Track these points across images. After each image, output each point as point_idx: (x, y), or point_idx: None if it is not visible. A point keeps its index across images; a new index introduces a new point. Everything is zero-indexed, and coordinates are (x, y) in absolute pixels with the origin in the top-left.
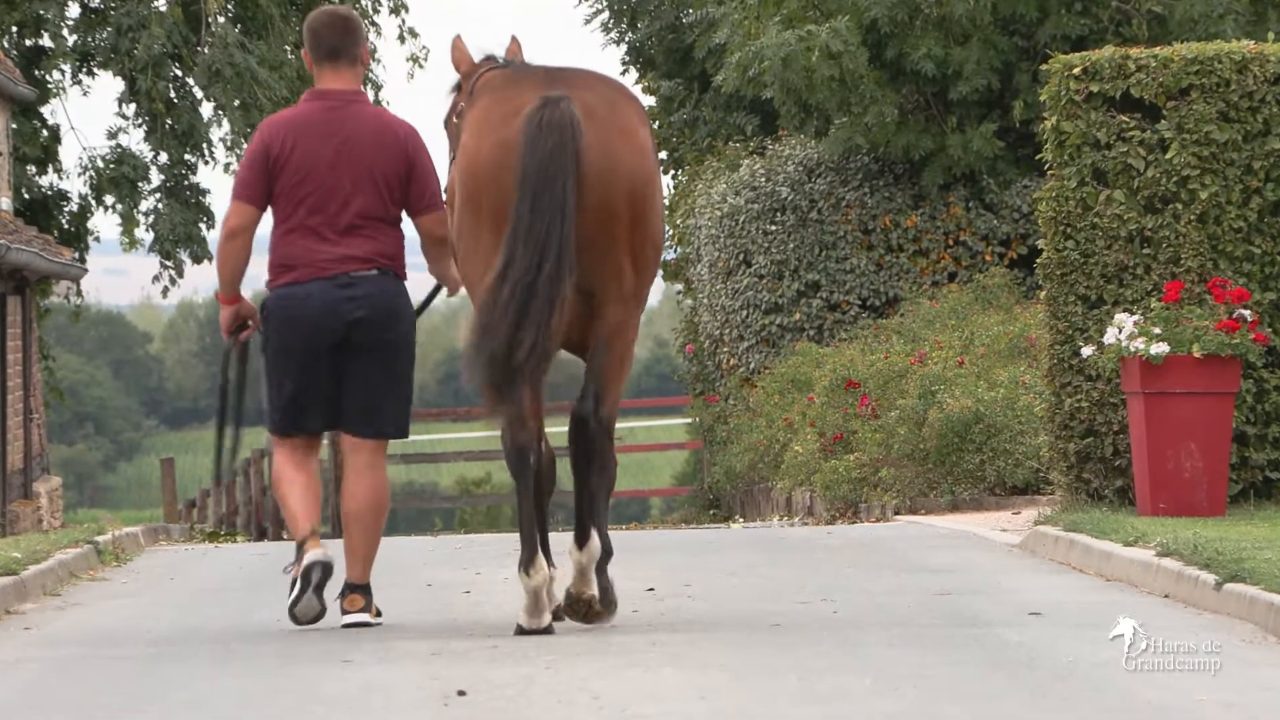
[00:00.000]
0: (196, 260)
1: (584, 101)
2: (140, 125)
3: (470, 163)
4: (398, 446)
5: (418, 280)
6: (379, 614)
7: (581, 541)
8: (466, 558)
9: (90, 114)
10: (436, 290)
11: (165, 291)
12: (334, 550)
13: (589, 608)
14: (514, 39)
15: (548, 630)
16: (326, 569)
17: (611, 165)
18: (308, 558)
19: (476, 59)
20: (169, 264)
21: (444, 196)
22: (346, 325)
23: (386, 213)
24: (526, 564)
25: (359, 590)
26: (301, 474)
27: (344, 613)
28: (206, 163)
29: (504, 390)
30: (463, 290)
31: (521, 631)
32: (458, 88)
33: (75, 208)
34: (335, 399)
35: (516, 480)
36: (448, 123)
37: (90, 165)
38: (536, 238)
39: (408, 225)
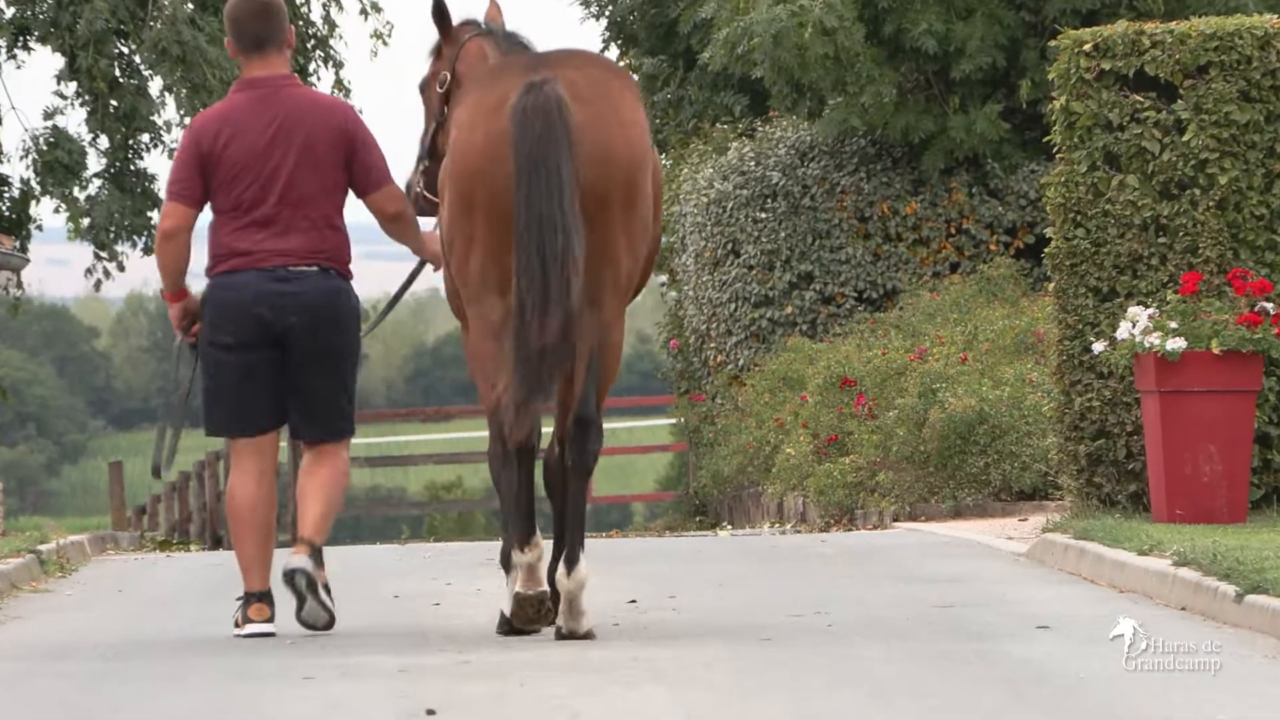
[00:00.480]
0: (147, 251)
1: (570, 81)
2: (84, 105)
3: (461, 158)
4: (361, 449)
5: (394, 269)
6: (328, 589)
7: (572, 564)
8: (436, 567)
9: (33, 93)
10: (419, 268)
11: (99, 285)
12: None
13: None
14: (493, 2)
15: (543, 596)
16: (306, 575)
17: (604, 144)
18: (249, 629)
19: (455, 22)
20: (104, 255)
21: (419, 162)
22: (284, 324)
23: (330, 199)
24: (523, 542)
25: (306, 546)
26: (252, 512)
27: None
28: (155, 146)
29: (539, 391)
30: (439, 285)
31: (521, 598)
32: (437, 52)
33: (16, 193)
34: (275, 395)
35: (517, 471)
36: (425, 87)
37: (32, 148)
38: (536, 220)
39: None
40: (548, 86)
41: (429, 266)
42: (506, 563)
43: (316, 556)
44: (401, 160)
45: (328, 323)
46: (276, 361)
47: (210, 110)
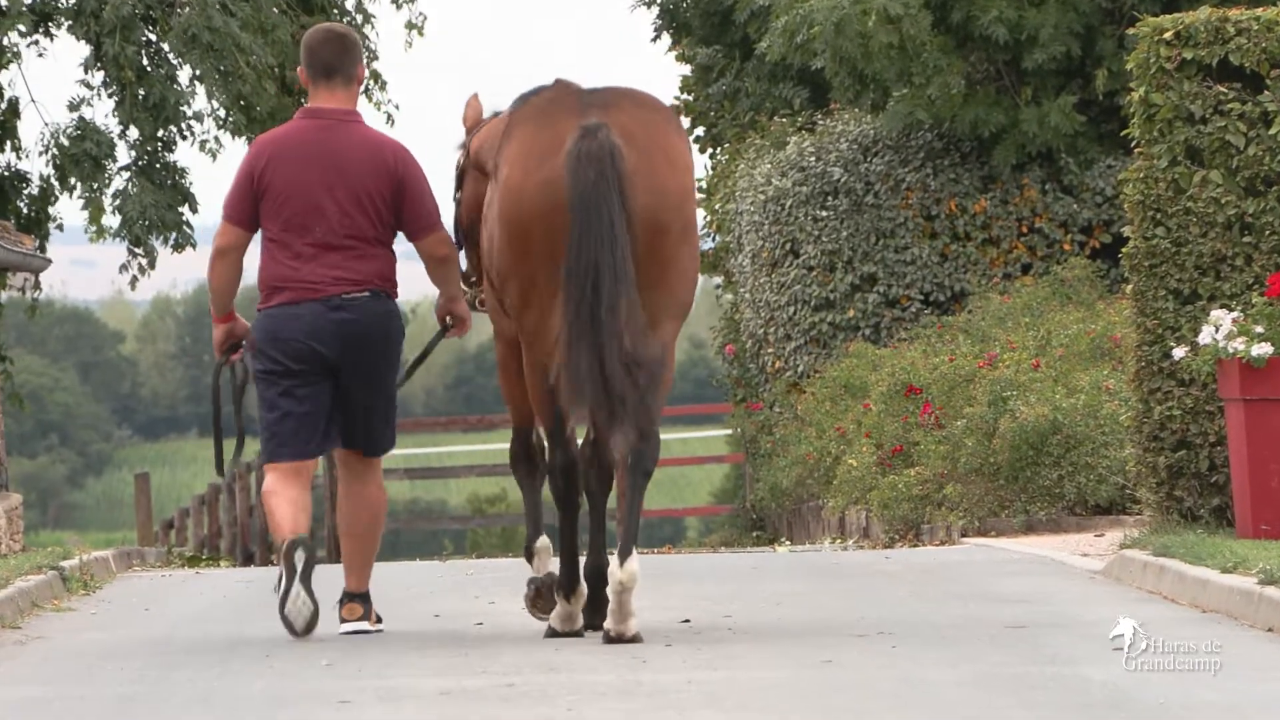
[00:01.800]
0: (178, 248)
1: (622, 126)
2: (112, 95)
3: (515, 204)
4: (399, 460)
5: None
6: (379, 620)
7: (625, 557)
8: (479, 585)
9: (55, 85)
10: (440, 335)
11: (134, 282)
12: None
13: (633, 644)
14: (475, 96)
15: (579, 633)
16: (308, 549)
17: (659, 180)
18: (285, 545)
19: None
20: (138, 251)
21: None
22: (340, 349)
23: (376, 234)
24: (568, 590)
25: (358, 599)
26: (290, 488)
27: (342, 621)
28: (184, 138)
29: (608, 409)
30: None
31: (553, 633)
32: (466, 147)
33: (36, 190)
34: (321, 420)
35: (563, 498)
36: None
37: (53, 142)
38: (585, 269)
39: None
40: (602, 133)
41: (449, 333)
42: (530, 556)
43: (365, 604)
44: (439, 153)
45: (380, 343)
46: (328, 387)
47: (268, 134)
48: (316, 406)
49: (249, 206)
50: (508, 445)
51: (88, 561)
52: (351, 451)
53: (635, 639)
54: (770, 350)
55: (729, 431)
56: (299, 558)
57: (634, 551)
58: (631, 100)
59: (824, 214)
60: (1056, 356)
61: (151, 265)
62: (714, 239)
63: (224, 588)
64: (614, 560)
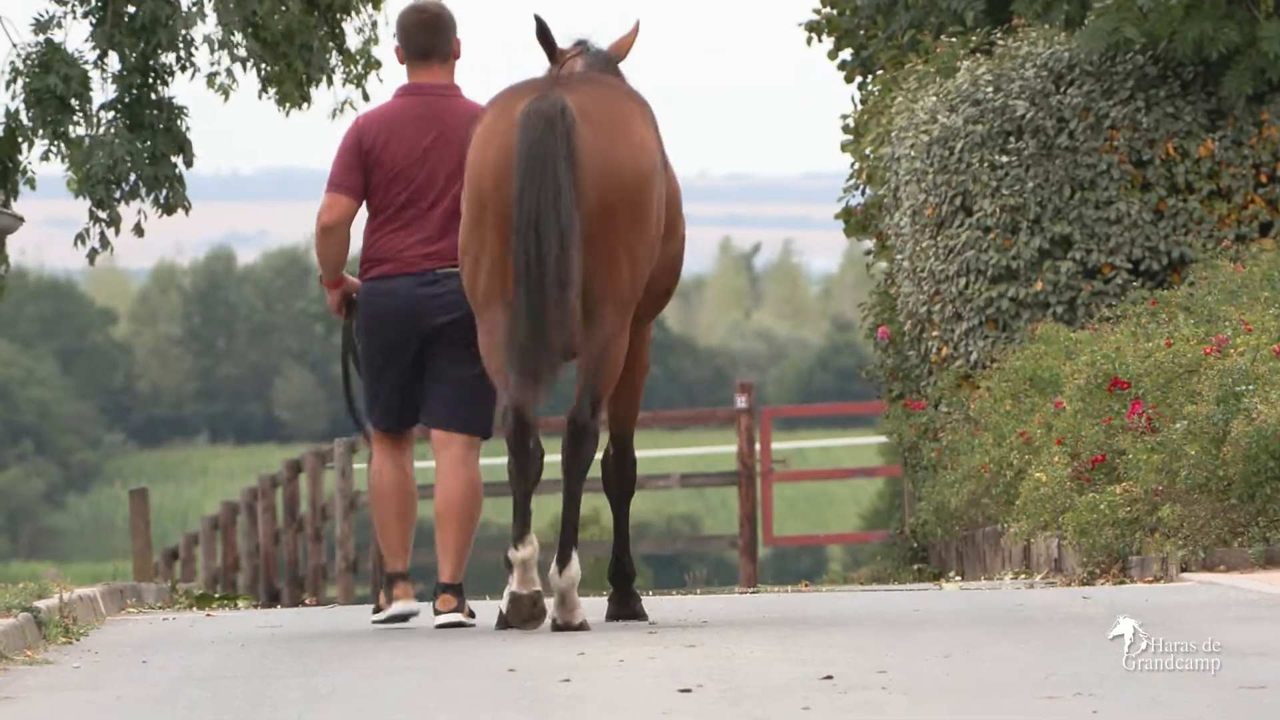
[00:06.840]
0: (167, 210)
1: (578, 101)
2: (88, 15)
3: (475, 173)
4: None
5: None
6: (472, 615)
7: (563, 562)
8: (563, 631)
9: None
10: None
11: (93, 256)
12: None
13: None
14: (635, 27)
15: (537, 596)
16: (409, 617)
17: (609, 160)
18: (395, 608)
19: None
20: (102, 215)
21: None
22: (435, 325)
23: None
24: (517, 539)
25: (451, 590)
26: (398, 493)
27: (436, 613)
28: (185, 69)
29: (540, 375)
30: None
31: (515, 597)
32: None
33: (2, 131)
34: (418, 392)
35: (516, 457)
36: None
37: (23, 70)
38: (531, 219)
39: None
40: (553, 96)
41: None
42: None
43: (459, 596)
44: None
45: (467, 318)
46: (419, 361)
47: (373, 111)
48: (410, 380)
49: (359, 177)
50: (601, 454)
51: (70, 601)
52: (446, 433)
53: (582, 627)
54: (935, 334)
55: (882, 438)
56: (398, 607)
57: (573, 555)
58: (597, 81)
59: (1005, 160)
60: None
61: (139, 233)
62: (863, 192)
63: (242, 634)
64: (553, 567)
